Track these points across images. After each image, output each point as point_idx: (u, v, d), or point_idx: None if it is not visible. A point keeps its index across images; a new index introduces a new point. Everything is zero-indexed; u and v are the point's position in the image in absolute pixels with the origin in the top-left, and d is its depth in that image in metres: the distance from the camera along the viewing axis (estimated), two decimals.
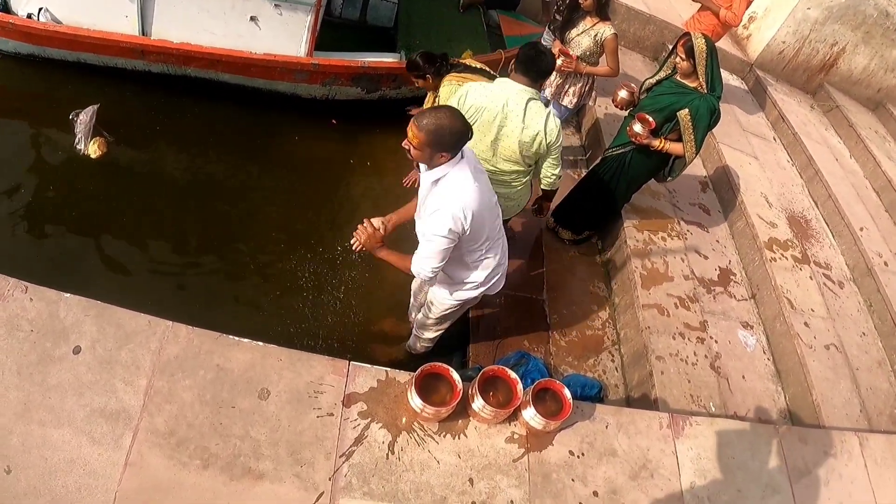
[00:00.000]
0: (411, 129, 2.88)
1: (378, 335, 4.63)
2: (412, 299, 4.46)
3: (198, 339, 2.99)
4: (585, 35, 5.17)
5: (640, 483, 3.22)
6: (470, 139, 2.96)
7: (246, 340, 3.03)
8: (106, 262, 4.54)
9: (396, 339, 4.59)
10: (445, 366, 2.99)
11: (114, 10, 5.25)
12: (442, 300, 3.67)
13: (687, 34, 4.38)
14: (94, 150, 5.18)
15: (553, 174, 4.06)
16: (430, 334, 4.11)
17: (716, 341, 4.90)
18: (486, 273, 3.47)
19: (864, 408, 4.79)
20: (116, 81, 5.70)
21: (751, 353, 5.00)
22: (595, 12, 5.11)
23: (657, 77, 4.71)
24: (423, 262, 3.13)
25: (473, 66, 5.00)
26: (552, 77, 5.43)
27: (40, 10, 5.28)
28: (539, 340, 4.75)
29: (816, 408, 4.57)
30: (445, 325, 4.03)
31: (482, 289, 3.55)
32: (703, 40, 4.29)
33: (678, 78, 4.49)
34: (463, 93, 3.87)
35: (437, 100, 4.89)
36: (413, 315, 4.49)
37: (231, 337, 3.03)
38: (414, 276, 3.34)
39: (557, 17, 5.93)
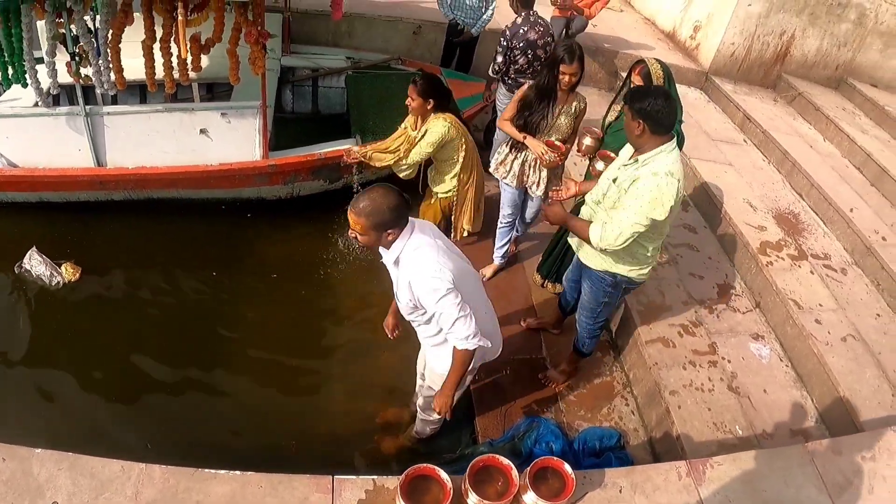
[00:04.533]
0: (350, 217, 2.91)
1: (381, 427, 4.48)
2: (419, 380, 4.29)
3: (173, 478, 2.88)
4: (563, 115, 4.69)
5: None
6: (409, 207, 2.98)
7: (223, 472, 2.91)
8: (72, 403, 4.44)
9: (401, 426, 4.44)
10: (431, 466, 2.83)
11: (66, 146, 5.29)
12: (442, 374, 3.49)
13: (641, 61, 4.29)
14: (70, 274, 5.18)
15: None
16: (436, 416, 3.90)
17: (729, 361, 4.74)
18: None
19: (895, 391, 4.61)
20: (82, 214, 5.74)
21: (767, 364, 4.84)
22: (573, 88, 4.66)
23: (615, 112, 4.62)
24: (459, 330, 3.03)
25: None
26: (537, 176, 4.92)
27: None
28: (547, 400, 4.60)
29: (846, 404, 4.40)
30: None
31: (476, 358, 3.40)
32: (659, 65, 4.23)
33: None
34: (678, 190, 3.45)
35: (423, 131, 4.82)
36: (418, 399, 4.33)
37: (207, 471, 2.91)
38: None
39: (511, 76, 6.03)
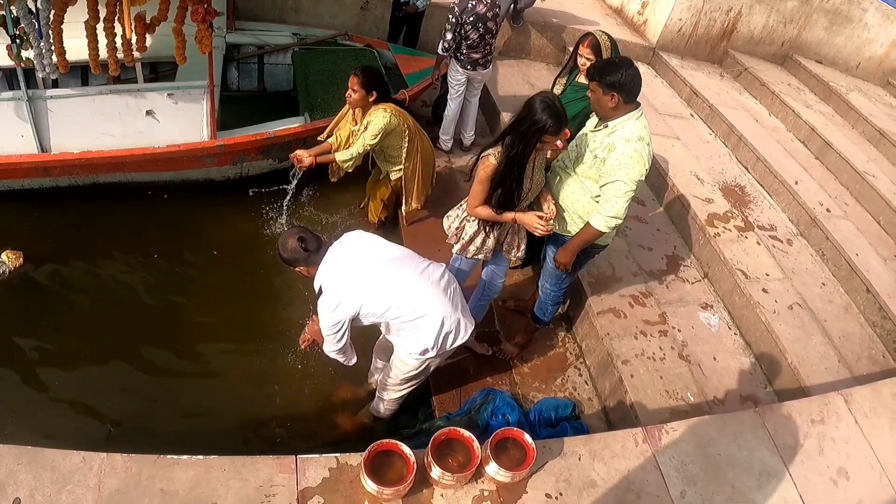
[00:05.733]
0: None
1: (338, 405, 4.48)
2: (374, 360, 4.36)
3: (136, 465, 2.83)
4: (537, 170, 3.86)
5: None
6: (309, 249, 3.38)
7: (185, 457, 2.88)
8: (28, 396, 4.33)
9: (357, 403, 4.44)
10: (394, 441, 2.85)
11: (8, 132, 5.10)
12: (405, 360, 3.62)
13: (588, 34, 4.30)
14: (12, 261, 5.04)
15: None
16: (394, 395, 3.98)
17: (679, 330, 4.84)
18: (433, 333, 3.44)
19: (841, 357, 4.79)
20: (28, 203, 5.57)
21: (716, 332, 4.96)
22: None
23: (560, 85, 4.65)
24: (327, 346, 3.57)
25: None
26: (516, 238, 4.13)
27: None
28: (502, 373, 4.63)
29: (794, 370, 4.54)
30: (408, 387, 3.91)
31: (437, 349, 3.52)
32: (606, 36, 4.25)
33: (580, 80, 4.42)
34: (650, 151, 3.57)
35: (363, 122, 4.86)
36: (374, 377, 4.37)
37: (170, 456, 2.87)
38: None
39: (463, 52, 6.11)
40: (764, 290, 5.12)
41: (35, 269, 5.11)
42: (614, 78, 3.42)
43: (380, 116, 4.79)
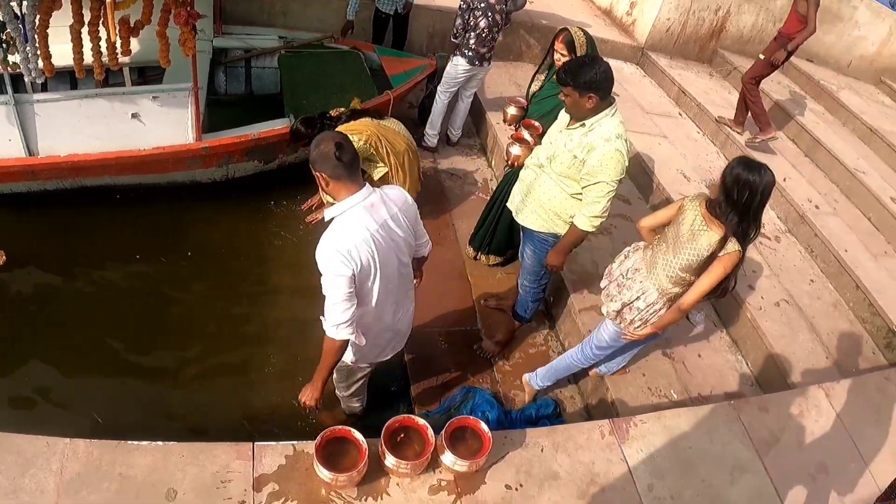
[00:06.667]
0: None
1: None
2: None
3: (97, 451, 2.89)
4: None
5: (592, 501, 3.06)
6: (345, 160, 2.70)
7: (145, 443, 2.93)
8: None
9: (337, 401, 4.37)
10: (346, 427, 2.84)
11: None
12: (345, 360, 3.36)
13: (564, 29, 4.29)
14: None
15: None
16: (344, 393, 3.83)
17: None
18: (369, 336, 3.15)
19: (829, 353, 4.77)
20: (14, 206, 5.56)
21: (701, 329, 4.91)
22: None
23: (538, 82, 4.65)
24: (330, 314, 2.81)
25: (357, 108, 4.96)
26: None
27: None
28: (483, 371, 4.61)
29: (781, 367, 4.52)
30: (350, 385, 3.70)
31: (363, 352, 3.25)
32: (582, 32, 4.23)
33: None
34: (629, 148, 3.57)
35: None
36: None
37: (130, 442, 2.92)
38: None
39: (471, 47, 6.09)
40: (750, 287, 5.10)
41: (17, 268, 5.12)
42: (588, 78, 3.37)
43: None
